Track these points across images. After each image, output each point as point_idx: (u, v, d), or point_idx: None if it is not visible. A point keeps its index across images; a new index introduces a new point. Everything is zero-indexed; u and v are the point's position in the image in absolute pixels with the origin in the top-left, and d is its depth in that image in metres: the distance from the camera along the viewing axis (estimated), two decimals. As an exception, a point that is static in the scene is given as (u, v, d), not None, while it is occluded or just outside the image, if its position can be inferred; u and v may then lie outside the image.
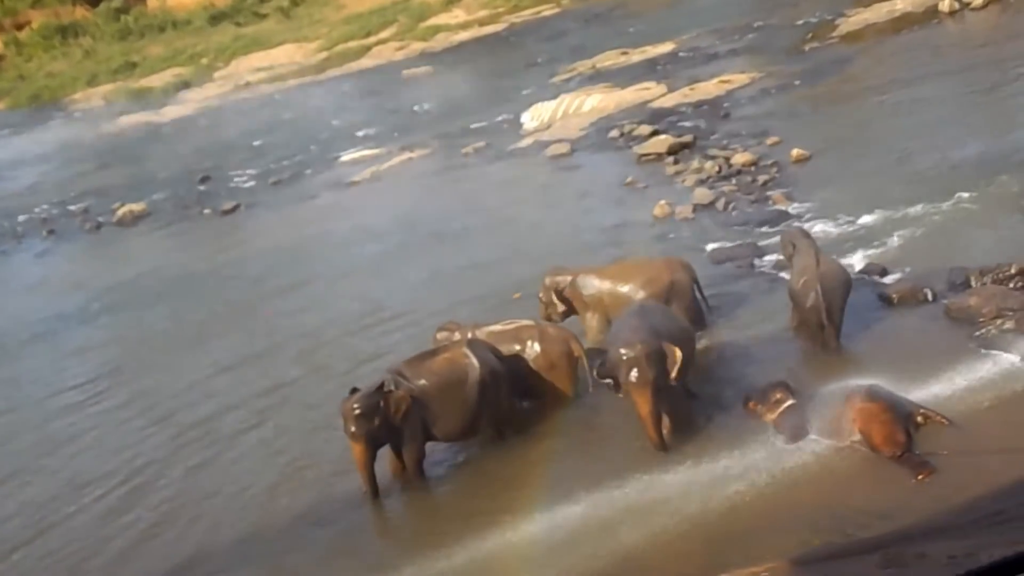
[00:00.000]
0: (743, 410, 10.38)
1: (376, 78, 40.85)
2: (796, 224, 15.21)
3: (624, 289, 12.33)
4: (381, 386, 10.39)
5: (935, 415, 9.47)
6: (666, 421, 10.19)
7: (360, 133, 30.69)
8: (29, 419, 15.02)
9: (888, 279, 12.92)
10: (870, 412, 9.39)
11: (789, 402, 10.07)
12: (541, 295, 12.87)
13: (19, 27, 62.59)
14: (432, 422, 10.63)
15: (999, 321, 11.02)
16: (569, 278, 12.73)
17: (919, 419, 9.43)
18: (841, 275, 11.76)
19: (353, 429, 10.21)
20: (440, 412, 10.63)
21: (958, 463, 8.85)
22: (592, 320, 12.62)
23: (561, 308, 12.72)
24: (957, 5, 26.59)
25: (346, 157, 27.86)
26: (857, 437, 9.37)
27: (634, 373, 9.84)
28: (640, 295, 12.06)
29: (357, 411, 10.18)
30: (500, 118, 27.81)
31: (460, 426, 10.83)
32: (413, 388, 10.51)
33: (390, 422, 10.34)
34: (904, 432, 9.28)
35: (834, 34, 27.98)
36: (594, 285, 12.59)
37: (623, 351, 9.99)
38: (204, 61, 52.78)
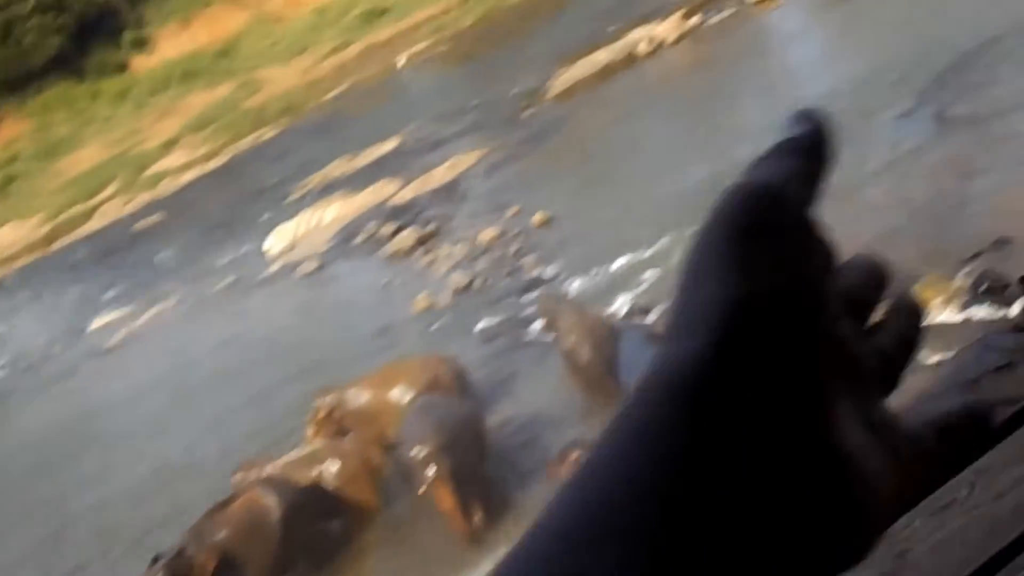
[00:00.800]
0: (547, 475, 10.41)
1: (109, 238, 39.77)
2: (555, 286, 15.53)
3: (389, 396, 12.40)
4: (181, 550, 10.00)
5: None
6: (477, 508, 10.14)
7: (105, 296, 29.75)
8: None
9: (651, 317, 13.26)
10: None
11: (588, 459, 10.14)
12: (311, 424, 12.76)
13: None
14: (243, 570, 10.29)
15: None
16: (336, 396, 12.72)
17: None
18: (607, 324, 12.03)
19: (161, 601, 9.79)
20: (248, 558, 10.29)
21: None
22: (367, 433, 12.56)
23: (335, 428, 12.65)
24: (654, 46, 27.80)
25: (96, 324, 26.93)
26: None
27: (431, 469, 9.78)
28: (407, 397, 12.13)
29: (161, 582, 9.78)
30: (244, 249, 27.44)
31: (272, 567, 10.51)
32: (216, 542, 10.15)
33: (198, 584, 9.95)
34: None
35: (547, 96, 28.82)
36: (361, 398, 12.61)
37: (415, 450, 9.92)
38: (-77, 262, 50.40)
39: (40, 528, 15.47)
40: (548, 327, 12.98)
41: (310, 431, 12.73)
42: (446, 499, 9.83)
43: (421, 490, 10.09)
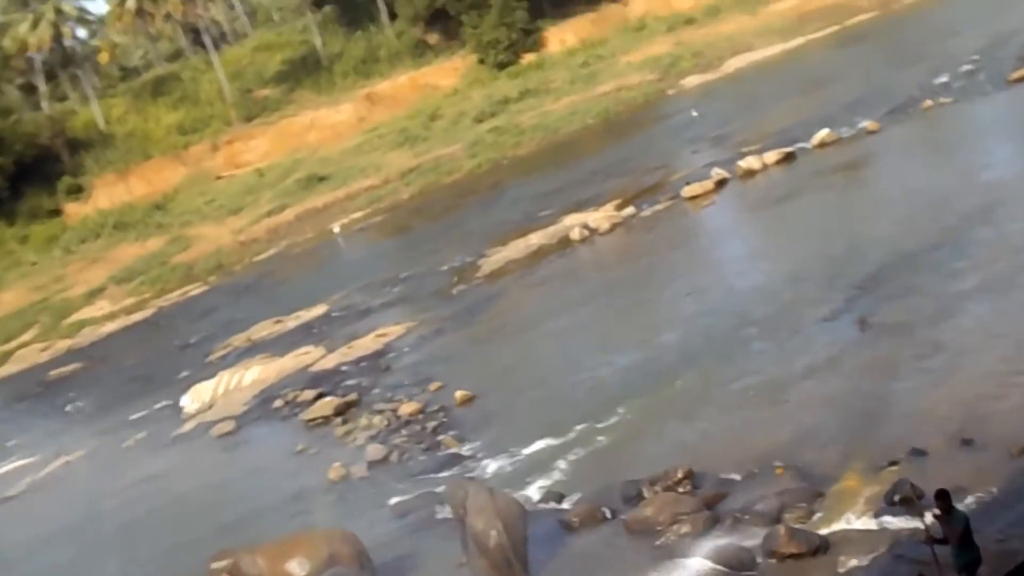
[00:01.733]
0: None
1: (22, 383, 38.95)
2: (470, 465, 15.38)
3: (287, 567, 12.26)
4: None
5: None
6: None
7: (10, 443, 28.97)
8: None
9: (566, 504, 13.10)
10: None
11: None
12: None
13: None
14: None
15: (676, 527, 11.31)
16: (232, 562, 12.51)
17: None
18: (517, 509, 11.84)
19: None
20: None
21: None
22: None
23: None
24: (587, 232, 28.19)
25: (-2, 471, 26.21)
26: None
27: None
28: (304, 571, 12.05)
29: None
30: (159, 405, 26.95)
31: None
32: None
33: None
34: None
35: (479, 274, 29.01)
36: (257, 566, 12.46)
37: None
38: None
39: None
40: (454, 509, 12.72)
41: None
42: None
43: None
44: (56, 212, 59.90)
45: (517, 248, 29.83)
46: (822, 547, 10.57)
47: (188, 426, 24.25)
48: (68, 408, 31.43)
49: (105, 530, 19.04)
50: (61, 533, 19.73)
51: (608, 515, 12.32)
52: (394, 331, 25.98)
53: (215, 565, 12.59)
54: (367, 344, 25.65)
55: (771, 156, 28.21)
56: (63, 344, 43.48)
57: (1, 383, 40.88)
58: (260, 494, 18.10)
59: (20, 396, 36.35)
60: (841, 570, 10.19)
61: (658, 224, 26.85)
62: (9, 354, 45.14)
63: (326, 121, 57.99)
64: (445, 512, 14.05)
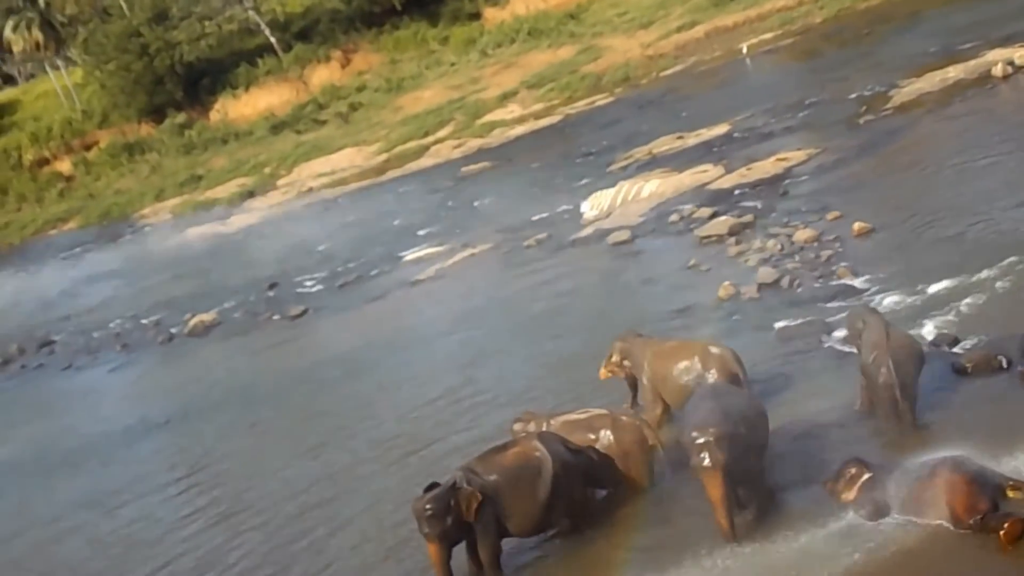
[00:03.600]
0: (821, 490, 10.24)
1: (435, 176, 41.30)
2: (864, 298, 15.17)
3: (672, 369, 12.65)
4: (453, 484, 10.40)
5: (1028, 485, 9.27)
6: (747, 507, 10.09)
7: (422, 232, 30.99)
8: (106, 527, 15.39)
9: (960, 348, 12.77)
10: (955, 484, 9.21)
11: (865, 476, 9.91)
12: (605, 362, 13.48)
13: (87, 147, 64.32)
14: (506, 518, 10.60)
15: (1076, 385, 10.86)
16: (627, 347, 13.26)
17: (1010, 492, 9.21)
18: (912, 348, 11.66)
19: (426, 529, 10.25)
20: (513, 508, 10.60)
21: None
22: (644, 391, 13.09)
23: (624, 373, 13.29)
24: (1011, 69, 26.40)
25: (410, 256, 28.12)
26: (943, 511, 9.19)
27: (705, 457, 9.78)
28: (685, 378, 12.40)
29: (429, 511, 10.21)
30: (560, 209, 27.96)
31: (534, 521, 10.80)
32: (485, 485, 10.50)
33: (462, 520, 10.33)
34: (988, 501, 9.08)
35: (888, 105, 27.88)
36: (645, 357, 12.99)
37: (694, 434, 9.95)
38: (267, 170, 53.73)
39: (321, 434, 16.80)
40: (851, 338, 12.66)
41: (602, 370, 13.56)
42: (714, 490, 9.81)
43: (692, 475, 10.12)
44: (476, 16, 62.26)
45: (932, 81, 28.39)
46: None
47: (586, 232, 25.07)
48: (476, 204, 33.15)
49: (506, 316, 20.34)
50: (467, 315, 21.12)
51: (1004, 364, 11.92)
52: (795, 156, 25.60)
53: (614, 344, 13.41)
54: (766, 167, 25.44)
55: None
56: (475, 143, 45.63)
57: (418, 174, 43.58)
58: (649, 302, 18.64)
59: (434, 188, 38.64)
60: None
61: (1094, 66, 24.72)
62: (426, 148, 47.91)
63: (742, -64, 56.48)
64: (832, 341, 14.07)
